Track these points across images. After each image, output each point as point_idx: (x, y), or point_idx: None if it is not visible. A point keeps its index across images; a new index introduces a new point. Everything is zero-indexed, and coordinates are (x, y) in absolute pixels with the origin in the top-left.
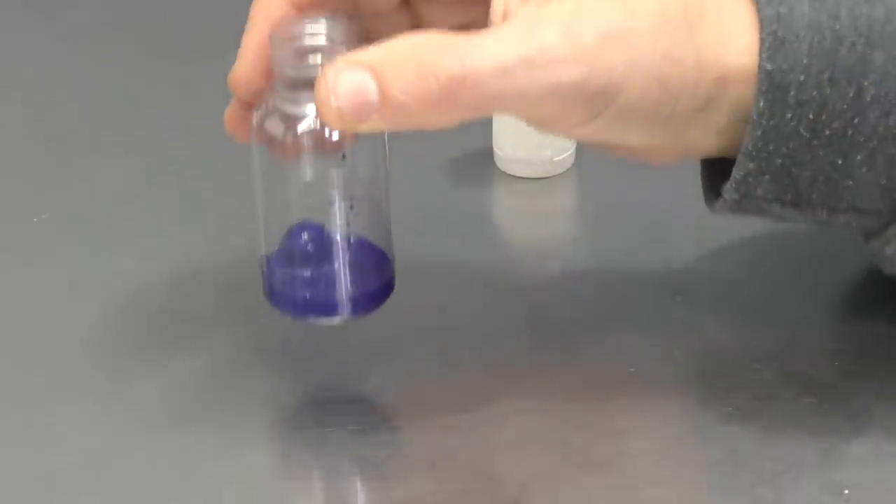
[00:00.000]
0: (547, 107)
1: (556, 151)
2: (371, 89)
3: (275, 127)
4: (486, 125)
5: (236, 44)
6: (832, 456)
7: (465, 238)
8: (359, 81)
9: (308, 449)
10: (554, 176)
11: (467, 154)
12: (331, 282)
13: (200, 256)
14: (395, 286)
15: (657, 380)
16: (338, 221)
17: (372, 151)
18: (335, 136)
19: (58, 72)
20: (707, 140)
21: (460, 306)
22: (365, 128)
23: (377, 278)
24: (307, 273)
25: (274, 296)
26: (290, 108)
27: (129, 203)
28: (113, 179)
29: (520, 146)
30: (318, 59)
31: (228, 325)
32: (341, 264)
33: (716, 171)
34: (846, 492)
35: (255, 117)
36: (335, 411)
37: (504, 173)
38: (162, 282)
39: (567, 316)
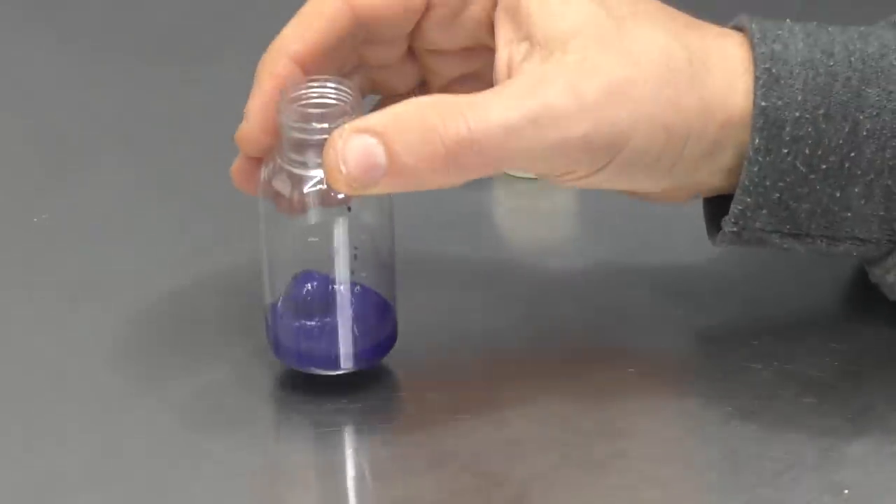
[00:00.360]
0: (554, 161)
1: None
2: (379, 154)
3: (282, 185)
4: None
5: (235, 45)
6: (832, 456)
7: (465, 238)
8: (366, 147)
9: (308, 449)
10: None
11: None
12: (333, 335)
13: (201, 257)
14: (396, 289)
15: (657, 380)
16: (342, 271)
17: (377, 201)
18: (340, 194)
19: (58, 72)
20: (714, 180)
21: (460, 306)
22: (374, 191)
23: (380, 331)
24: (310, 325)
25: (277, 346)
26: (297, 170)
27: (129, 203)
28: (113, 179)
29: None
30: (324, 121)
31: (228, 326)
32: (345, 317)
33: (717, 205)
34: (846, 492)
35: (263, 173)
36: (334, 411)
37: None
38: (162, 282)
39: (567, 316)
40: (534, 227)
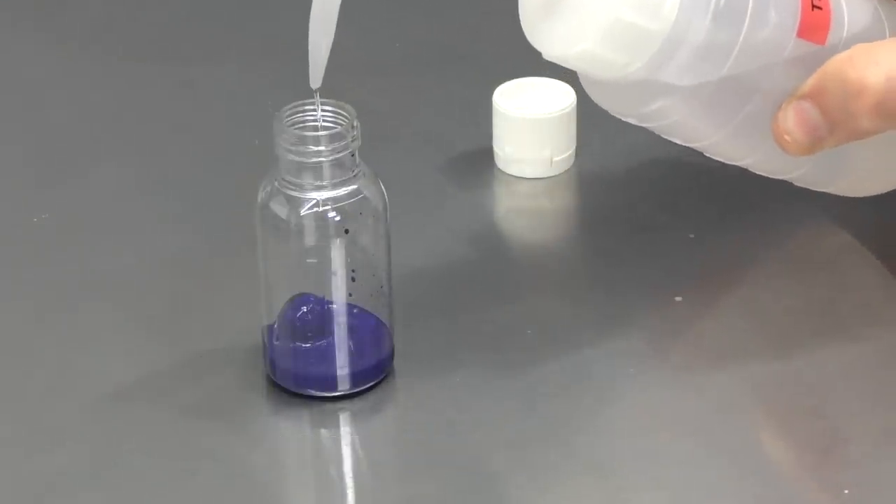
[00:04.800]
0: None
1: (556, 151)
2: (815, 115)
3: (279, 208)
4: (486, 125)
5: (234, 45)
6: (832, 456)
7: (465, 238)
8: (802, 111)
9: (307, 449)
10: (554, 176)
11: (467, 154)
12: (331, 357)
13: (200, 257)
14: (394, 294)
15: (657, 380)
16: (339, 292)
17: (374, 224)
18: (338, 217)
19: (58, 72)
20: None
21: (460, 306)
22: (823, 148)
23: (377, 352)
24: (307, 347)
25: (274, 369)
26: (294, 192)
27: (128, 203)
28: (113, 179)
29: (520, 146)
30: (321, 144)
31: (228, 325)
32: (342, 339)
33: None
34: (846, 492)
35: (260, 196)
36: (334, 411)
37: (504, 173)
38: (162, 282)
39: (567, 316)
40: (534, 227)
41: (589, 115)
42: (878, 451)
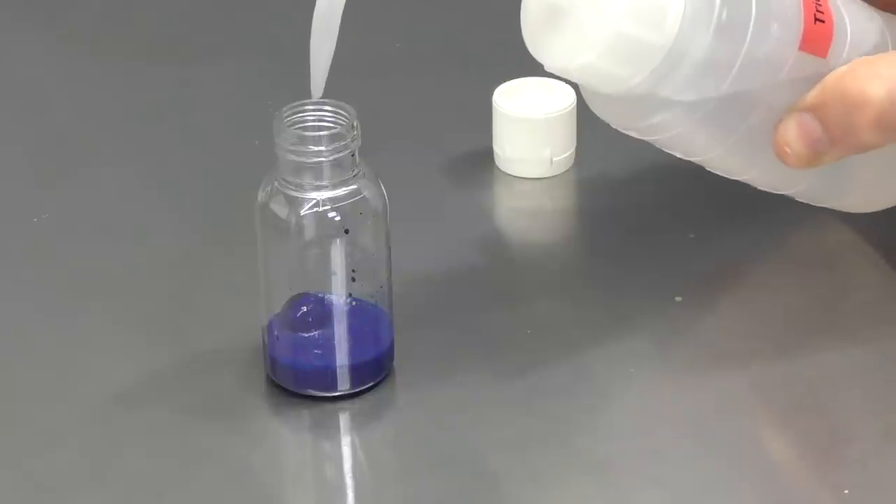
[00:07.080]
0: None
1: (556, 151)
2: (816, 128)
3: (279, 208)
4: (486, 125)
5: (235, 45)
6: (832, 456)
7: (464, 238)
8: (804, 124)
9: (307, 449)
10: (554, 176)
11: (467, 154)
12: (331, 357)
13: (200, 257)
14: (394, 294)
15: (657, 380)
16: (339, 292)
17: (374, 224)
18: (338, 217)
19: (58, 72)
20: None
21: (460, 306)
22: (824, 162)
23: (378, 353)
24: (307, 347)
25: (274, 369)
26: (294, 192)
27: (129, 203)
28: (113, 179)
29: (520, 146)
30: (321, 145)
31: (228, 325)
32: (342, 339)
33: None
34: (846, 492)
35: (260, 196)
36: (334, 411)
37: (504, 173)
38: (162, 283)
39: (567, 316)
40: (534, 227)
41: (589, 115)
42: (878, 451)
